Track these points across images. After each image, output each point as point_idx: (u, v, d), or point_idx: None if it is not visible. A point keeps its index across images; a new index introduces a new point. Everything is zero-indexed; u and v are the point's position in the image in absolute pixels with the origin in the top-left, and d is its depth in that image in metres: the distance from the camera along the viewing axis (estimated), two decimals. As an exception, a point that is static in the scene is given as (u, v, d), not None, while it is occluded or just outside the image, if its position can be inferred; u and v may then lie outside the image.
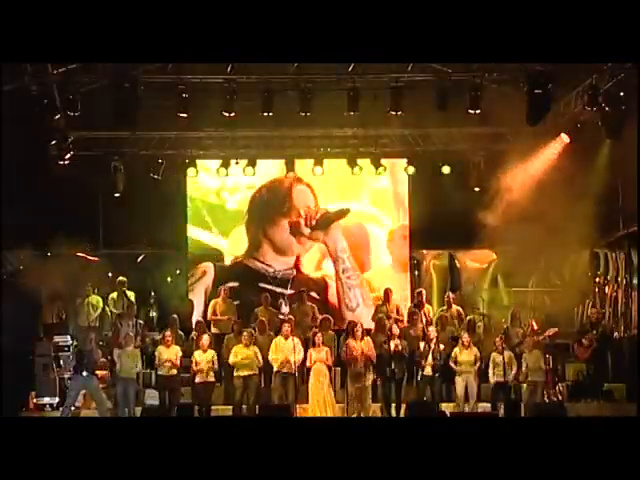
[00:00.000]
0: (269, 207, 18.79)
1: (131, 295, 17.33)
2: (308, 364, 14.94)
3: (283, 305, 16.93)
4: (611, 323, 17.29)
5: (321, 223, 18.70)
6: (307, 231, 18.70)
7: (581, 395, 15.33)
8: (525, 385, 14.96)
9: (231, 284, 17.92)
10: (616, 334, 17.06)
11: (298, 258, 18.67)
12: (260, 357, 14.89)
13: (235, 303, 17.27)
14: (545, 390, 15.17)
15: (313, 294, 17.70)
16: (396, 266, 18.98)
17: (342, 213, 18.76)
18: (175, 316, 15.99)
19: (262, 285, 18.22)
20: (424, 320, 16.18)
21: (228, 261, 18.67)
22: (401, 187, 18.99)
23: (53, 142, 16.55)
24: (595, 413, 14.38)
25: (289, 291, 18.21)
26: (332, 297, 18.62)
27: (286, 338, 14.99)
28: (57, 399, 15.13)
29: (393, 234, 19.07)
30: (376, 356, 15.05)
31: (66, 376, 15.17)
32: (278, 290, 18.15)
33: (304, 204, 18.66)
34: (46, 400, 15.23)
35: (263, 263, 18.62)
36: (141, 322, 15.94)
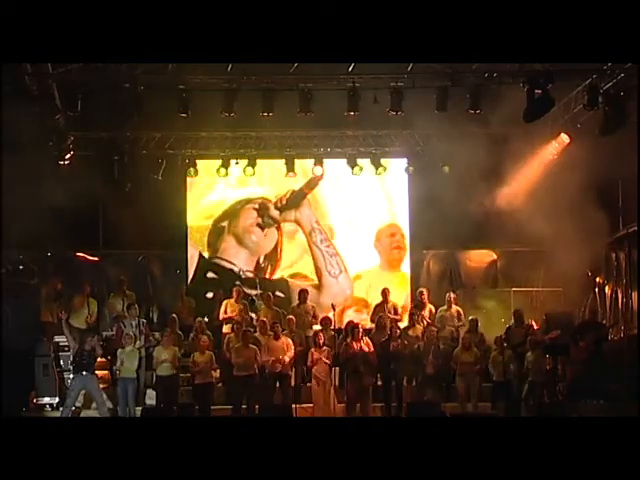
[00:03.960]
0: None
1: (131, 295, 17.29)
2: (309, 364, 14.92)
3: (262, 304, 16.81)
4: (611, 323, 17.28)
5: (293, 200, 18.73)
6: (276, 213, 18.73)
7: (581, 395, 15.31)
8: (526, 385, 14.94)
9: (211, 274, 18.17)
10: (616, 334, 17.06)
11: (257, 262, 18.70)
12: (259, 357, 14.85)
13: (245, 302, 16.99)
14: (545, 390, 15.17)
15: (279, 294, 17.69)
16: (384, 265, 19.00)
17: (314, 182, 18.71)
18: (174, 316, 15.90)
19: (237, 283, 18.14)
20: (424, 320, 16.14)
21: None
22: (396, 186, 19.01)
23: (53, 142, 16.54)
24: (595, 413, 14.37)
25: (258, 291, 17.91)
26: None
27: (277, 339, 14.98)
28: (57, 399, 15.11)
29: (380, 233, 19.11)
30: (376, 356, 15.03)
31: (66, 376, 15.17)
32: (250, 291, 17.96)
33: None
34: (46, 400, 15.21)
35: (227, 261, 18.65)
36: (144, 321, 15.93)
